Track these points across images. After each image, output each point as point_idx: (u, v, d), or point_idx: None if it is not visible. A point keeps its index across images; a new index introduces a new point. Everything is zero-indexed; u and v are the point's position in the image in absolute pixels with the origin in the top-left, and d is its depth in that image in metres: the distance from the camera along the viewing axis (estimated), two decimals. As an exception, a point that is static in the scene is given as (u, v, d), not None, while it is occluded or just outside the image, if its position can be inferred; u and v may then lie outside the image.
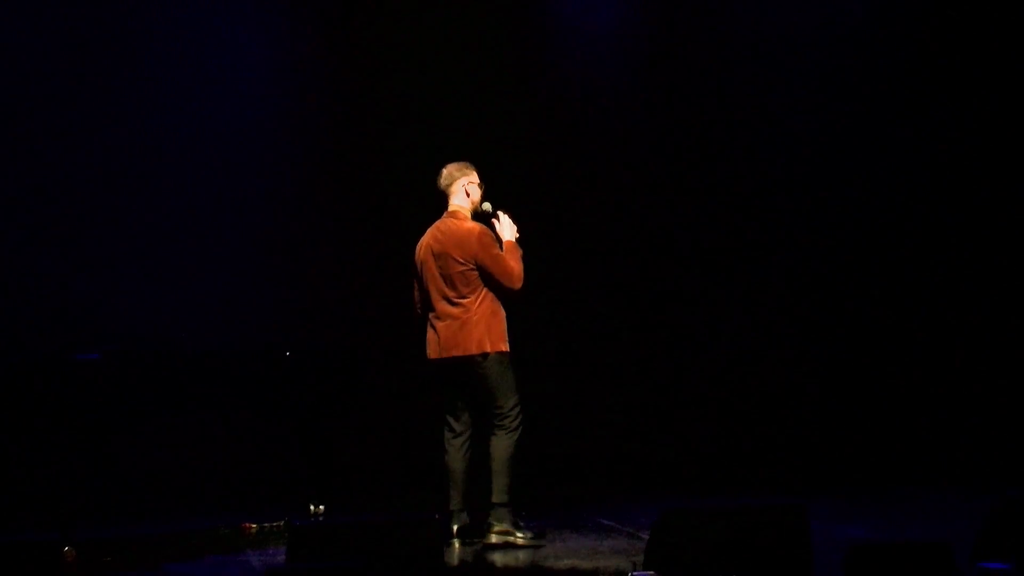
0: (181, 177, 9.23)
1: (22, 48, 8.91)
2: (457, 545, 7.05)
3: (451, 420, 7.25)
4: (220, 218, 9.27)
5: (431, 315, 7.21)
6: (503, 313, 7.15)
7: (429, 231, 7.26)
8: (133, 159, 9.14)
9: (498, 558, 6.56)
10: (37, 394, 7.28)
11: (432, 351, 7.20)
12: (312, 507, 7.72)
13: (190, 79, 9.24)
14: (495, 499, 7.09)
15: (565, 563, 6.50)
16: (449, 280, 7.13)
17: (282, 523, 7.55)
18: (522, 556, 6.73)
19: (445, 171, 7.26)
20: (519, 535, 7.09)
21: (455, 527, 7.10)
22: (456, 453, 7.22)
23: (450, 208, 7.24)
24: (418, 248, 7.27)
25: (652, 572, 5.93)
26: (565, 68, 9.79)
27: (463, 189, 7.23)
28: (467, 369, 7.13)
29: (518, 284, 7.10)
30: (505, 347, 7.12)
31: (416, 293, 7.33)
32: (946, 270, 9.91)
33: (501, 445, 7.09)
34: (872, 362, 9.90)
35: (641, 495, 8.52)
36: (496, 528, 7.07)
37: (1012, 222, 9.87)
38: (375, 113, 9.58)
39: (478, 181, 7.27)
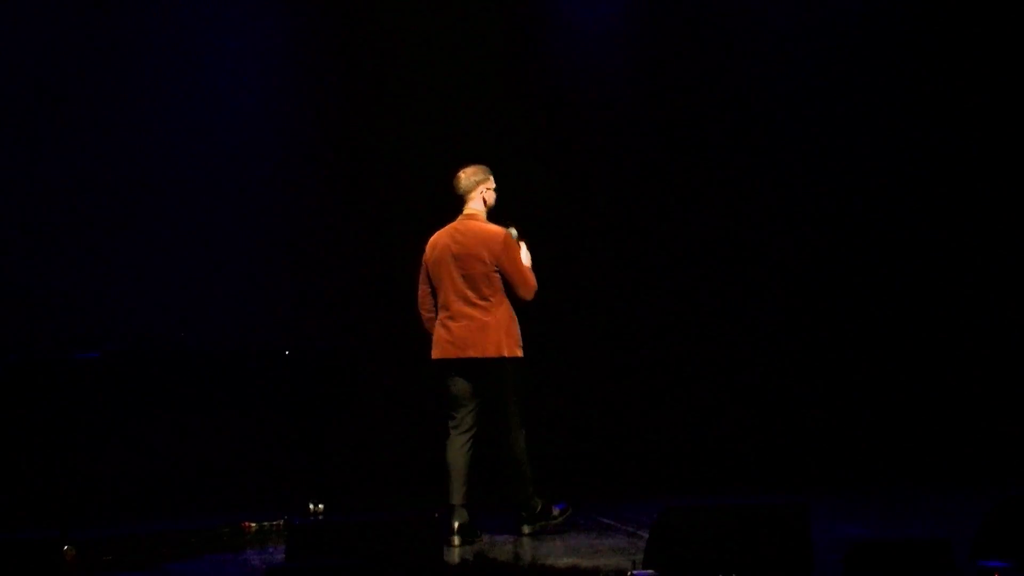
0: (181, 177, 9.22)
1: (22, 49, 8.90)
2: (457, 541, 7.06)
3: (457, 418, 7.29)
4: (220, 218, 9.27)
5: (444, 314, 7.25)
6: (516, 319, 7.25)
7: (445, 232, 7.30)
8: (133, 159, 9.13)
9: (499, 556, 6.56)
10: (37, 393, 7.29)
11: (443, 350, 7.24)
12: (311, 506, 7.73)
13: (191, 79, 9.24)
14: (525, 491, 7.27)
15: (565, 561, 6.50)
16: (471, 281, 7.19)
17: (282, 522, 7.55)
18: (522, 554, 6.73)
19: (463, 176, 7.31)
20: (553, 516, 7.34)
21: (456, 523, 7.13)
22: (460, 449, 7.26)
23: (467, 211, 7.30)
24: (431, 247, 7.31)
25: (652, 571, 5.93)
26: (565, 66, 9.78)
27: (481, 195, 7.30)
28: (482, 370, 7.21)
29: (531, 296, 7.22)
30: (521, 353, 7.24)
31: (422, 291, 7.36)
32: (947, 269, 9.91)
33: (516, 442, 7.23)
34: (872, 361, 9.90)
35: (641, 493, 8.52)
36: (530, 516, 7.29)
37: (1013, 222, 9.87)
38: (374, 113, 9.57)
39: (494, 186, 7.35)
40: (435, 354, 7.28)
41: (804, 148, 9.90)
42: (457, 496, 7.21)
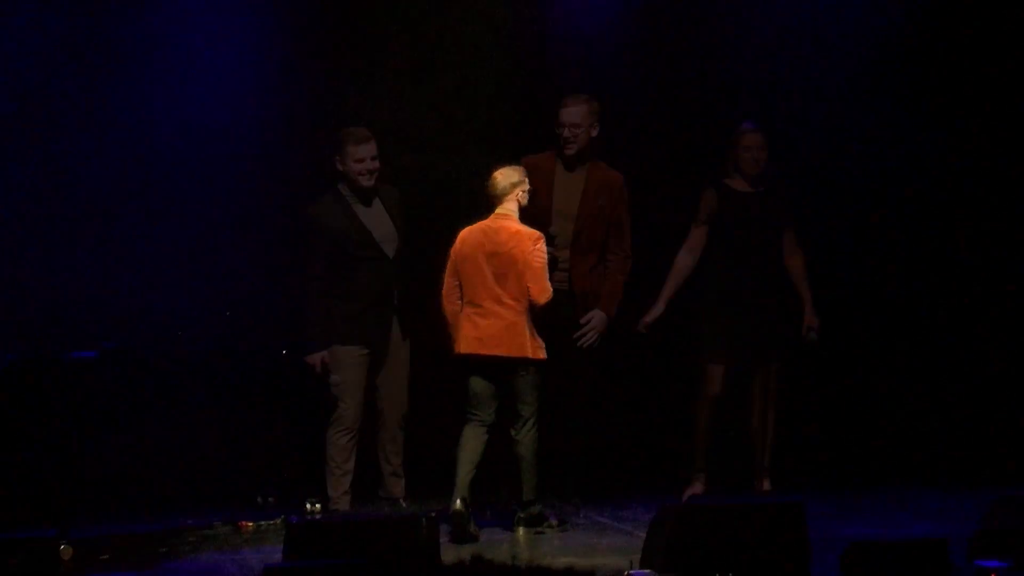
0: (179, 176, 9.19)
1: (17, 49, 8.88)
2: (459, 504, 7.16)
3: (479, 411, 7.40)
4: (218, 217, 9.24)
5: (471, 310, 7.37)
6: None
7: (478, 228, 7.43)
8: (131, 158, 9.11)
9: (495, 556, 6.56)
10: (34, 392, 7.29)
11: (470, 345, 7.36)
12: (309, 505, 7.73)
13: (188, 79, 9.21)
14: (528, 496, 7.41)
15: (562, 561, 6.50)
16: (502, 280, 7.33)
17: (279, 521, 7.55)
18: (519, 554, 6.73)
19: (500, 176, 7.44)
20: (547, 525, 7.43)
21: (458, 499, 7.21)
22: (477, 439, 7.37)
23: (501, 211, 7.42)
24: (461, 242, 7.44)
25: (649, 571, 5.94)
26: (563, 64, 9.75)
27: (516, 197, 7.43)
28: (506, 369, 7.34)
29: (542, 301, 7.33)
30: (544, 355, 7.38)
31: (448, 285, 7.47)
32: (946, 269, 9.89)
33: (528, 445, 7.38)
34: (870, 360, 9.88)
35: (638, 493, 8.51)
36: (528, 521, 7.40)
37: (1012, 222, 9.86)
38: (370, 113, 9.54)
39: (528, 187, 7.48)
40: (460, 348, 7.40)
41: (815, 149, 9.84)
42: (464, 477, 7.29)
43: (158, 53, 9.12)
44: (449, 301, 7.48)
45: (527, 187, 7.47)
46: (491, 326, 7.32)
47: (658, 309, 8.29)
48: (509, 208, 7.43)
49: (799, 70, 9.79)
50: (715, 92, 9.76)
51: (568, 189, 7.83)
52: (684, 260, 8.34)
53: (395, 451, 7.85)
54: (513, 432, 7.40)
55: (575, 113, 7.82)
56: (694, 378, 8.51)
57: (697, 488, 8.25)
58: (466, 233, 7.46)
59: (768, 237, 8.32)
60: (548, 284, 7.37)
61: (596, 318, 7.84)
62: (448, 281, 7.48)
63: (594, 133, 7.85)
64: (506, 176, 7.44)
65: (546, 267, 7.38)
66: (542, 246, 7.37)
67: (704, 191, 8.35)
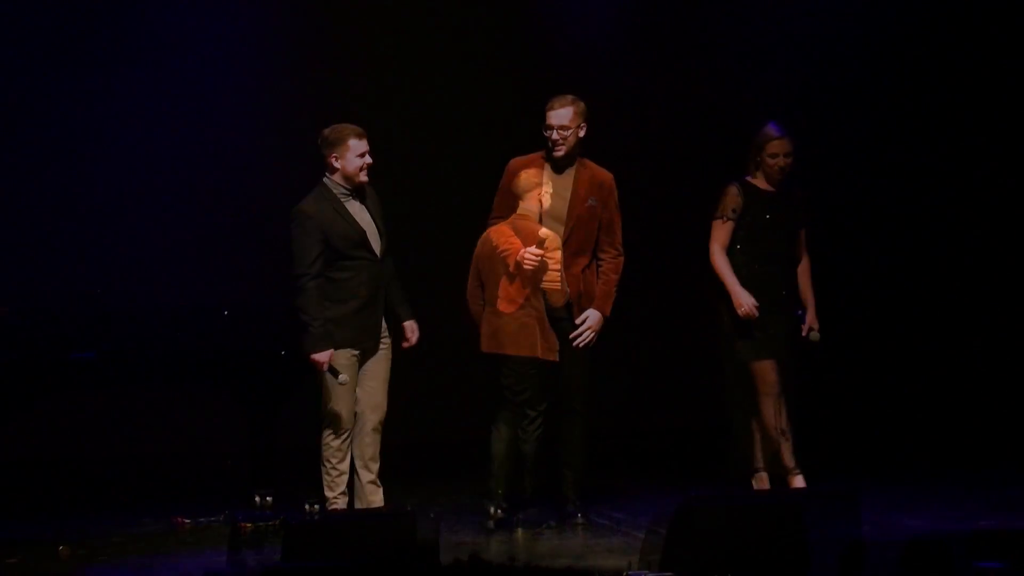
0: (179, 177, 9.22)
1: (15, 50, 8.90)
2: (490, 510, 7.33)
3: (503, 409, 7.50)
4: (217, 217, 9.26)
5: (488, 310, 7.46)
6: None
7: (495, 230, 7.50)
8: (131, 158, 9.13)
9: (494, 556, 6.57)
10: (34, 392, 7.30)
11: (487, 344, 7.47)
12: (307, 505, 7.73)
13: (188, 79, 9.23)
14: (529, 490, 7.53)
15: (560, 562, 6.52)
16: (512, 280, 7.38)
17: (278, 521, 7.55)
18: (517, 555, 6.73)
19: (525, 175, 7.52)
20: (546, 525, 7.50)
21: (491, 507, 7.38)
22: (503, 438, 7.47)
23: (520, 211, 7.50)
24: (482, 244, 7.53)
25: (648, 571, 5.94)
26: (563, 61, 9.76)
27: (538, 197, 7.49)
28: (515, 368, 7.41)
29: (556, 302, 7.44)
30: (556, 358, 7.45)
31: (471, 285, 7.57)
32: (947, 268, 9.91)
33: (533, 444, 7.47)
34: (869, 360, 9.90)
35: (637, 493, 8.51)
36: (527, 522, 7.48)
37: (1016, 218, 9.88)
38: (365, 108, 9.54)
39: (552, 191, 7.54)
40: (481, 347, 7.52)
41: (817, 148, 9.85)
42: (495, 479, 7.45)
43: (156, 54, 9.14)
44: (473, 301, 7.56)
45: (550, 189, 7.51)
46: (504, 325, 7.38)
47: (748, 296, 8.07)
48: (528, 208, 7.46)
49: (797, 70, 9.82)
50: (714, 91, 9.79)
51: (557, 191, 7.81)
52: (725, 257, 8.22)
53: (373, 457, 7.55)
54: (519, 431, 7.45)
55: (563, 115, 7.73)
56: (747, 382, 8.26)
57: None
58: (486, 234, 7.54)
59: (790, 237, 8.26)
60: (556, 286, 7.40)
61: (592, 318, 7.83)
62: (471, 282, 7.57)
63: (582, 134, 7.79)
64: (531, 176, 7.50)
65: (541, 270, 7.36)
66: (538, 249, 7.31)
67: (727, 188, 8.23)
